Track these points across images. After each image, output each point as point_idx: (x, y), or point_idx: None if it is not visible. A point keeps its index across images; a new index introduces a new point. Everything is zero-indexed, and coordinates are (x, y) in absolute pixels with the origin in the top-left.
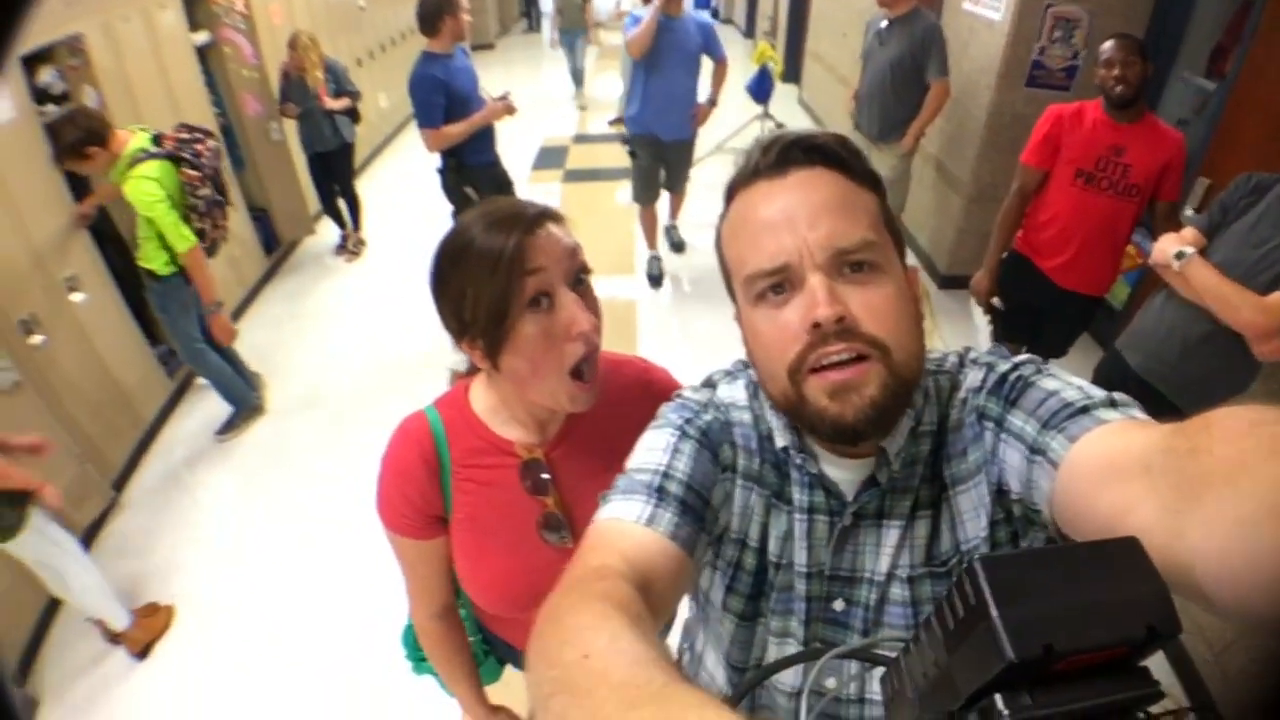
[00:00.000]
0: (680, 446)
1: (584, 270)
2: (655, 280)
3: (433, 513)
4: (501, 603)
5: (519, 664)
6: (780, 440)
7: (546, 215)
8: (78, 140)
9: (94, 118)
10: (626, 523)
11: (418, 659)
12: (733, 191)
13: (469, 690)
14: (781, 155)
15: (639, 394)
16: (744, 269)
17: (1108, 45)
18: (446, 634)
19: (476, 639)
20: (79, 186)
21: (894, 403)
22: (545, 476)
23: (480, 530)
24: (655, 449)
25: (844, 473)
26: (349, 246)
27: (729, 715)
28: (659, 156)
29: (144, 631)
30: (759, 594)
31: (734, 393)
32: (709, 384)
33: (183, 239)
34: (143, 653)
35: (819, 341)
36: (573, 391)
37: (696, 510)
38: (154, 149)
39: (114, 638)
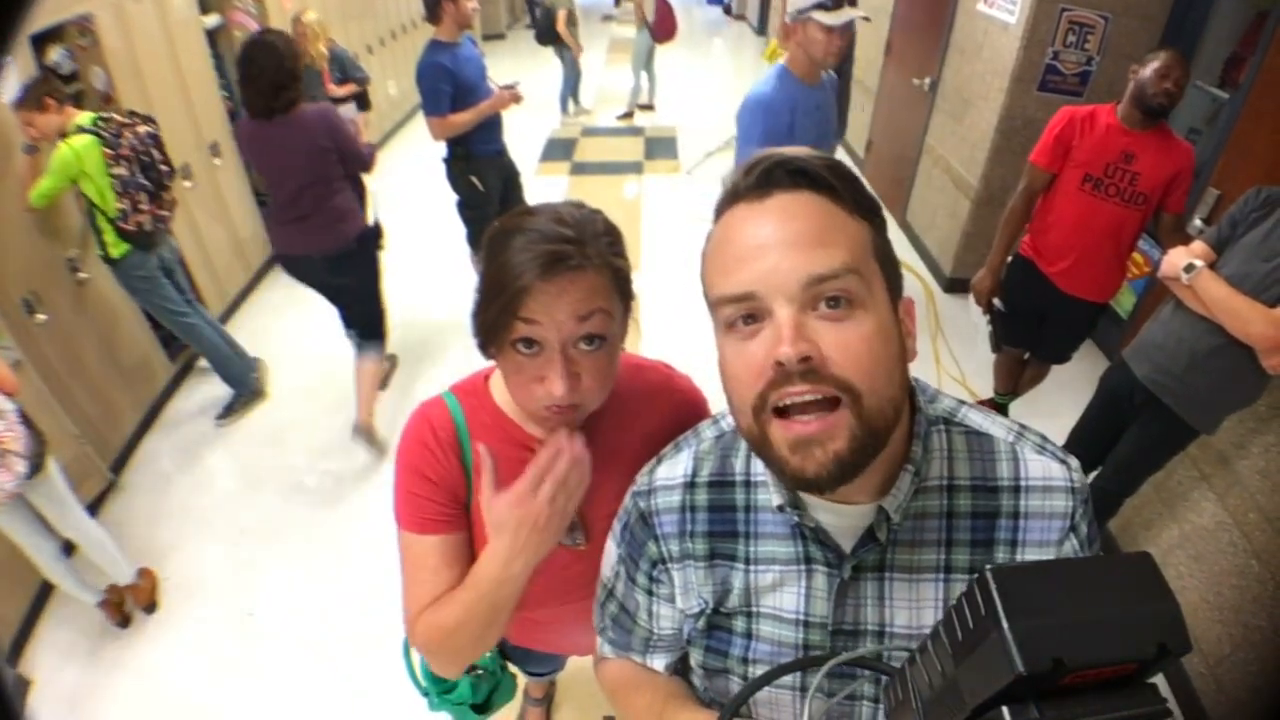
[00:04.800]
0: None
1: (594, 337)
2: None
3: (456, 493)
4: None
5: (514, 659)
6: (775, 499)
7: (577, 263)
8: (42, 91)
9: (58, 78)
10: (634, 663)
11: (440, 693)
12: (718, 212)
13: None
14: (764, 176)
15: (660, 402)
16: (713, 292)
17: (1161, 56)
18: None
19: (494, 654)
20: None
21: (862, 457)
22: None
23: None
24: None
25: (841, 519)
26: None
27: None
28: None
29: (149, 581)
30: (725, 651)
31: (672, 471)
32: (659, 459)
33: (39, 195)
34: (148, 608)
35: (782, 380)
36: (546, 423)
37: (669, 641)
38: (89, 127)
39: (114, 604)
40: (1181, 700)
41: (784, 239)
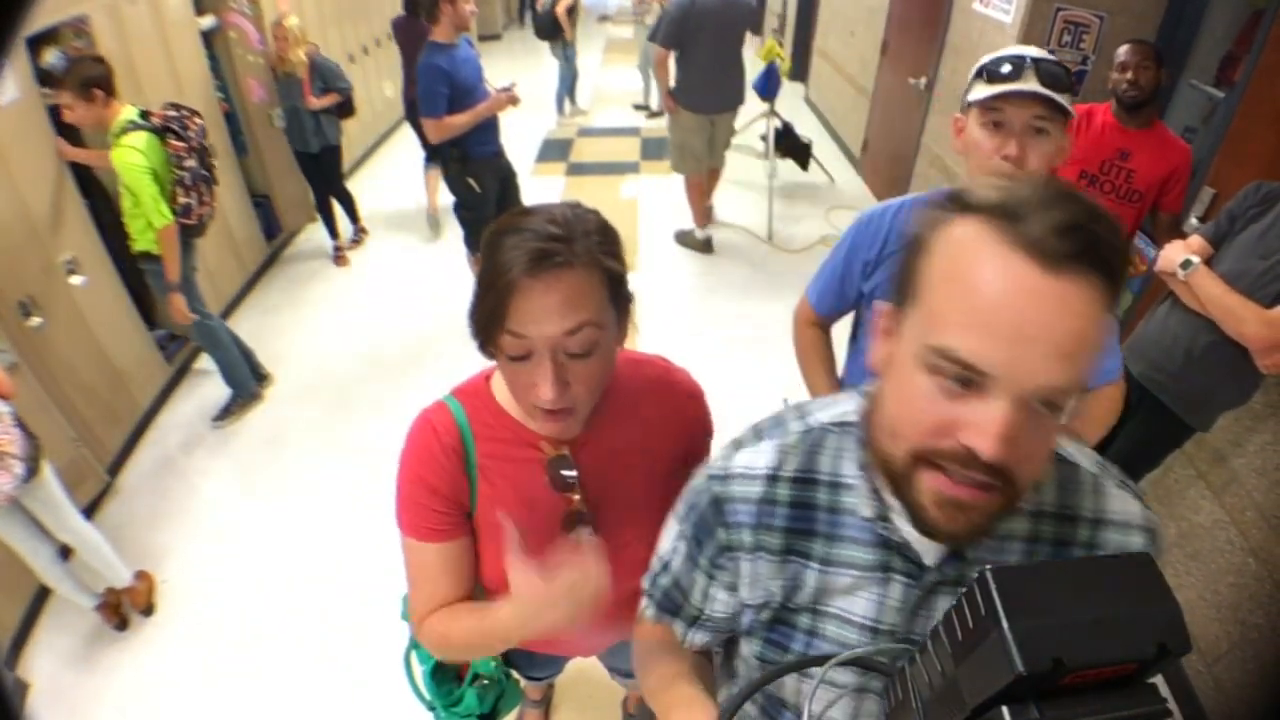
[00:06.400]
0: (688, 573)
1: (585, 350)
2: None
3: (459, 502)
4: None
5: (516, 664)
6: (865, 511)
7: (564, 260)
8: (92, 77)
9: (110, 70)
10: (670, 631)
11: (446, 705)
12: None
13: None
14: (1063, 236)
15: (659, 395)
16: (940, 336)
17: (1124, 49)
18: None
19: (497, 662)
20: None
21: (993, 525)
22: (573, 473)
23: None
24: (673, 570)
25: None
26: (343, 252)
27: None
28: None
29: (146, 584)
30: (785, 646)
31: (753, 460)
32: (738, 444)
33: (160, 215)
34: (146, 610)
35: (964, 461)
36: (542, 422)
37: (717, 623)
38: (141, 121)
39: (112, 607)
40: (1179, 698)
41: (1052, 339)
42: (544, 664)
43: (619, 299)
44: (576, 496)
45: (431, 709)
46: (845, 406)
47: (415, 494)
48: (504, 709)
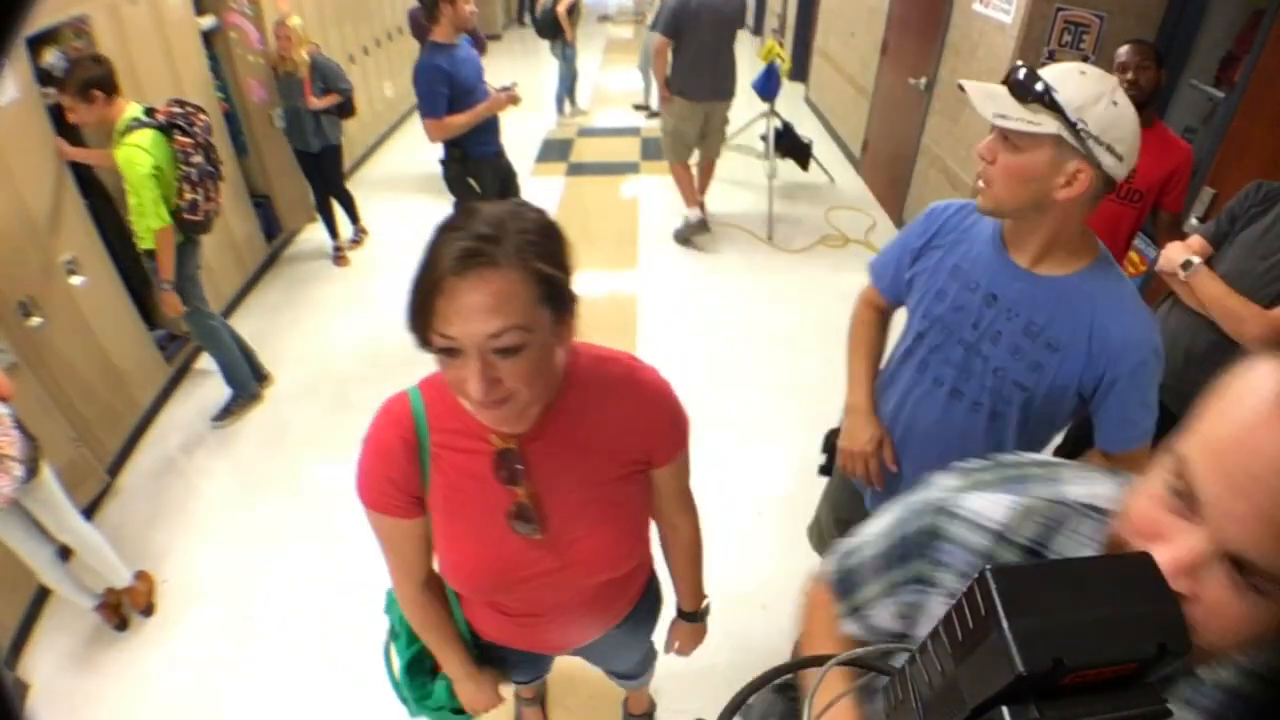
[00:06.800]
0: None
1: (512, 348)
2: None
3: (412, 492)
4: (467, 585)
5: (496, 664)
6: None
7: (487, 260)
8: (91, 79)
9: (110, 69)
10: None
11: (419, 699)
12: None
13: (455, 656)
14: None
15: (622, 392)
16: (1185, 440)
17: (1124, 49)
18: (430, 604)
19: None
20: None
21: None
22: (518, 468)
23: (453, 513)
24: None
25: None
26: (343, 252)
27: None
28: None
29: (146, 584)
30: None
31: (988, 510)
32: (971, 478)
33: (158, 217)
34: (146, 610)
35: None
36: (480, 412)
37: (874, 631)
38: (146, 119)
39: (112, 607)
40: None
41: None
42: (524, 666)
43: (555, 300)
44: (521, 491)
45: (404, 702)
46: (1101, 488)
47: (374, 480)
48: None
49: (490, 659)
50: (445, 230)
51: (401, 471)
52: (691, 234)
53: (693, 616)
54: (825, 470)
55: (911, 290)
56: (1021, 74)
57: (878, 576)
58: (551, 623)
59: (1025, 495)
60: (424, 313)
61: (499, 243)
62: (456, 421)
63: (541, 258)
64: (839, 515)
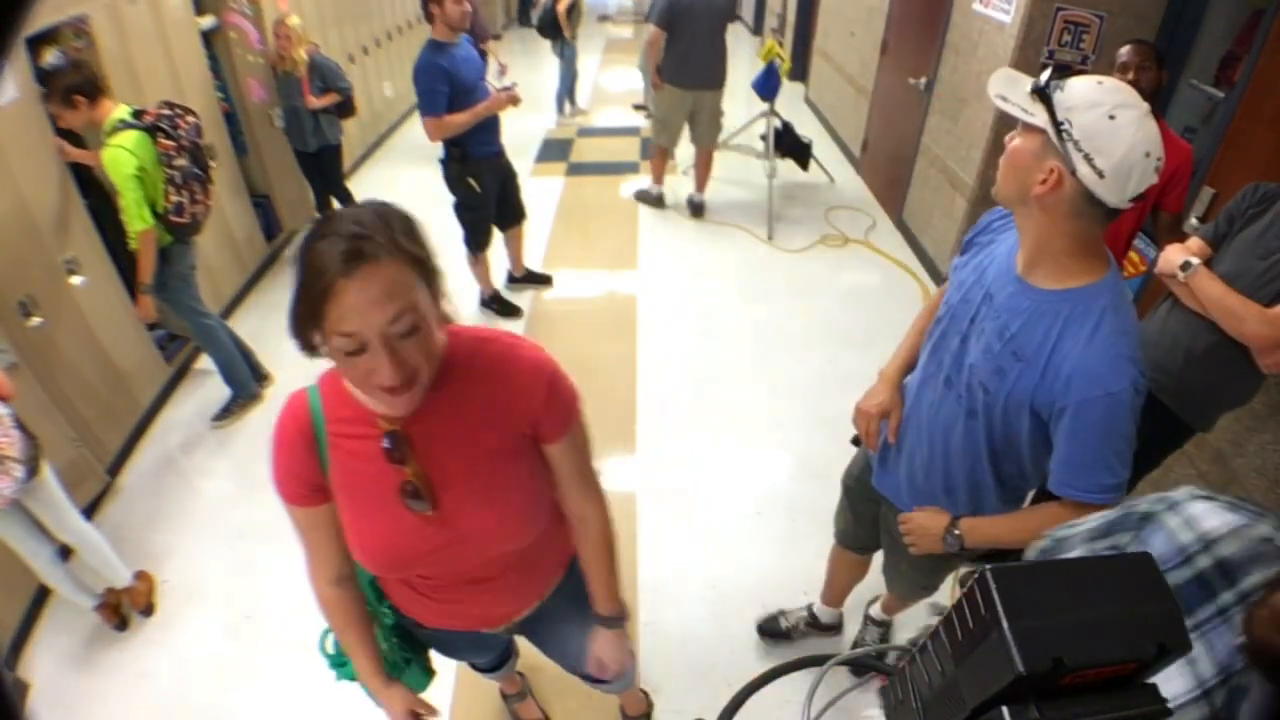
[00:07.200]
0: None
1: (411, 329)
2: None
3: (314, 481)
4: (373, 563)
5: (441, 650)
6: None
7: (371, 252)
8: (71, 86)
9: (93, 73)
10: None
11: (339, 664)
12: None
13: (366, 660)
14: None
15: (502, 370)
16: None
17: (1124, 49)
18: (343, 600)
19: (394, 643)
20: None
21: None
22: (406, 449)
23: (351, 496)
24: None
25: None
26: None
27: None
28: None
29: (146, 584)
30: None
31: (1209, 519)
32: (1202, 492)
33: (141, 219)
34: (146, 610)
35: None
36: (384, 400)
37: None
38: (132, 120)
39: (112, 607)
40: None
41: None
42: (472, 649)
43: (429, 279)
44: (409, 470)
45: (331, 668)
46: None
47: (279, 472)
48: (409, 685)
49: (437, 645)
50: (315, 240)
51: (300, 462)
52: (647, 200)
53: (609, 622)
54: (856, 441)
55: (952, 282)
56: (1047, 70)
57: (1085, 543)
58: (471, 597)
59: (1248, 523)
60: (314, 319)
61: (372, 238)
62: (348, 410)
63: (411, 243)
64: (853, 472)
